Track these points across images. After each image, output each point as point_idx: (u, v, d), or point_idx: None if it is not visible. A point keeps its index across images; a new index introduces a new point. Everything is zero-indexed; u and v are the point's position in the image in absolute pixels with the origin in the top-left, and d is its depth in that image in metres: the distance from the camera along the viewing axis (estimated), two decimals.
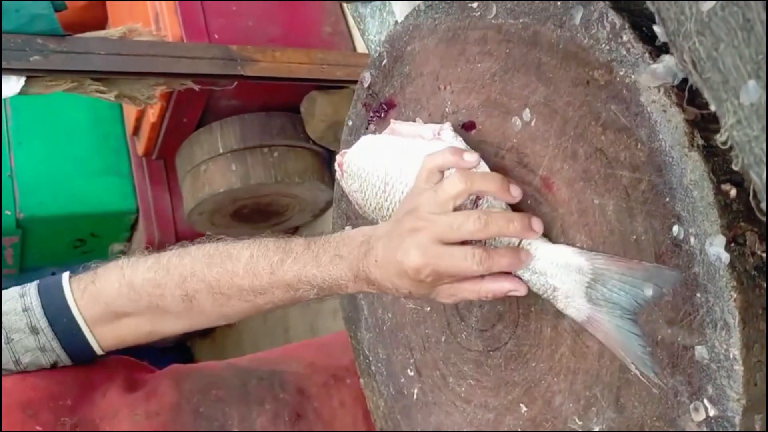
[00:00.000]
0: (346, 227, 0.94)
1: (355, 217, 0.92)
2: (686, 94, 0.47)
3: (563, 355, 0.64)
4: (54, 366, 0.79)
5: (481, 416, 0.74)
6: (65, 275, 0.80)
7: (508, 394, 0.71)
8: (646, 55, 0.53)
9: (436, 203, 0.62)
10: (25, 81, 1.65)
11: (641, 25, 0.55)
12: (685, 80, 0.52)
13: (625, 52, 0.55)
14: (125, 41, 1.76)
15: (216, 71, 1.85)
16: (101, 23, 2.67)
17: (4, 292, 0.80)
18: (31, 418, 0.74)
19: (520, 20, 0.64)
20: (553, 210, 0.64)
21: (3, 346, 0.76)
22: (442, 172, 0.65)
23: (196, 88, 1.82)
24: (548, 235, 0.64)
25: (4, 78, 1.66)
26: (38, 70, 1.65)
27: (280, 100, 2.30)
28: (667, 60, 0.52)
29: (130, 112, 2.45)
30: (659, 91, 0.53)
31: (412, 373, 0.84)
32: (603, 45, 0.56)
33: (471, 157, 0.64)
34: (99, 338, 0.80)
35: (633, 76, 0.54)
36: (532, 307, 0.68)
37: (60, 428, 0.74)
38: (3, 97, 1.65)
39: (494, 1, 0.67)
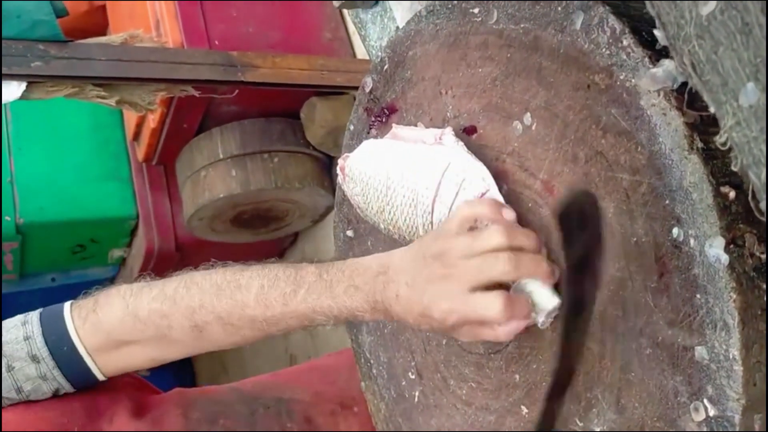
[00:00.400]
0: (348, 231, 0.94)
1: (356, 221, 0.92)
2: (686, 97, 0.48)
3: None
4: (56, 393, 0.79)
5: (482, 418, 0.74)
6: (67, 304, 0.80)
7: (509, 396, 0.71)
8: (646, 59, 0.54)
9: (472, 251, 0.62)
10: (26, 86, 1.65)
11: (641, 29, 0.56)
12: (684, 84, 0.52)
13: (625, 57, 0.55)
14: (126, 47, 1.76)
15: (216, 77, 1.86)
16: (102, 29, 2.68)
17: (7, 321, 0.80)
18: None
19: (521, 25, 0.65)
20: (554, 213, 0.64)
21: (4, 374, 0.76)
22: (475, 220, 0.65)
23: (197, 94, 1.83)
24: (549, 238, 0.65)
25: (5, 83, 1.66)
26: (39, 75, 1.65)
27: (280, 105, 2.31)
28: (667, 64, 0.52)
29: (131, 117, 2.45)
30: (659, 94, 0.53)
31: (413, 376, 0.84)
32: (603, 49, 0.57)
33: (510, 214, 0.65)
34: (101, 366, 0.79)
35: (633, 80, 0.55)
36: None
37: None
38: (4, 102, 1.65)
39: (495, 7, 0.68)
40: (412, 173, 0.71)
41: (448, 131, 0.72)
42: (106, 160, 2.55)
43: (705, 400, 0.52)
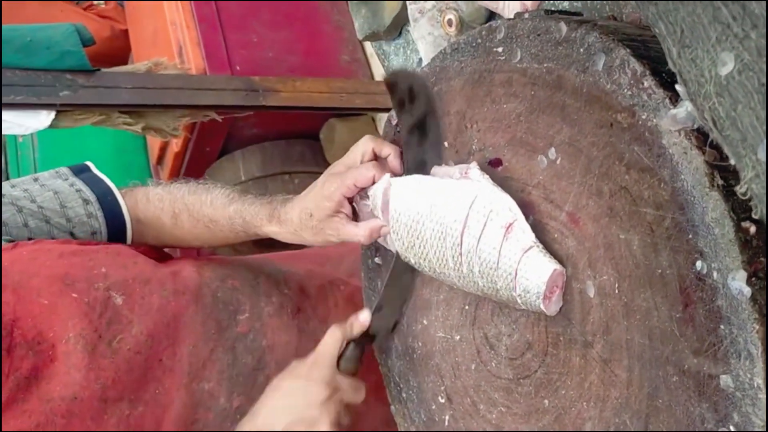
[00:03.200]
0: (376, 259, 0.97)
1: (384, 249, 0.95)
2: (707, 138, 0.50)
3: (592, 383, 0.67)
4: (93, 236, 0.96)
5: None
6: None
7: (538, 421, 0.73)
8: (667, 100, 0.57)
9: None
10: (55, 115, 1.70)
11: (661, 71, 0.59)
12: None
13: (646, 97, 0.58)
14: (151, 75, 1.81)
15: (239, 102, 1.90)
16: (124, 53, 2.74)
17: (39, 175, 0.99)
18: (68, 287, 0.84)
19: (545, 65, 0.68)
20: (580, 244, 0.67)
21: (59, 209, 0.93)
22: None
23: (219, 119, 1.87)
24: (576, 267, 0.67)
25: (34, 112, 1.71)
26: (68, 105, 1.70)
27: (300, 127, 2.35)
28: (687, 105, 0.55)
29: (154, 142, 2.51)
30: (680, 134, 0.56)
31: (443, 400, 0.86)
32: (625, 90, 0.60)
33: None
34: (133, 226, 0.99)
35: (654, 120, 0.57)
36: (561, 336, 0.71)
37: (93, 293, 0.85)
38: (34, 131, 1.70)
39: (519, 47, 0.71)
40: (440, 207, 0.74)
41: (474, 166, 0.74)
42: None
43: (731, 427, 0.54)
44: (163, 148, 2.43)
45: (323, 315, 1.06)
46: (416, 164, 0.81)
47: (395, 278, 0.85)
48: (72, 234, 0.94)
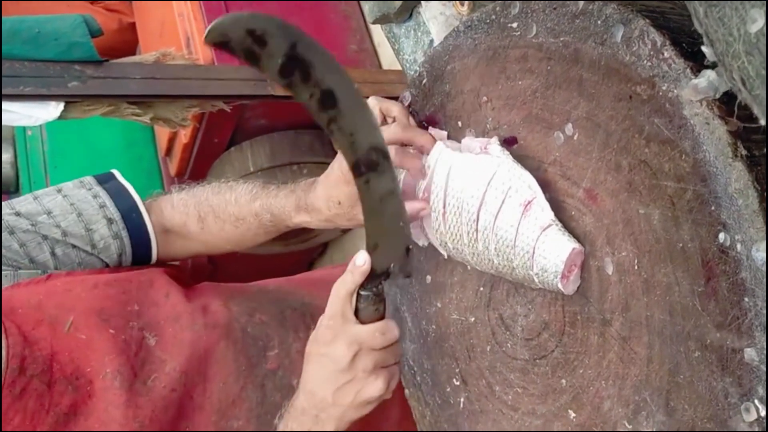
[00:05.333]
0: None
1: None
2: (735, 110, 0.49)
3: (611, 361, 0.66)
4: (119, 257, 0.93)
5: (529, 423, 0.76)
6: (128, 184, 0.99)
7: (555, 401, 0.73)
8: (688, 70, 0.56)
9: None
10: (64, 106, 1.70)
11: (681, 41, 0.58)
12: (726, 93, 0.54)
13: (666, 68, 0.57)
14: (159, 65, 1.80)
15: (247, 92, 1.90)
16: (132, 46, 2.74)
17: (64, 185, 0.95)
18: (105, 322, 0.83)
19: (561, 38, 0.67)
20: (597, 221, 0.66)
21: (83, 233, 0.90)
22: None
23: (228, 109, 1.87)
24: (593, 245, 0.67)
25: (43, 104, 1.71)
26: (77, 95, 1.69)
27: (308, 118, 2.32)
28: (709, 74, 0.54)
29: (163, 133, 2.50)
30: (701, 104, 0.55)
31: (457, 383, 0.86)
32: (645, 61, 0.59)
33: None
34: (159, 243, 0.96)
35: (675, 91, 0.56)
36: (578, 315, 0.70)
37: (129, 331, 0.84)
38: (43, 122, 1.70)
39: (534, 21, 0.70)
40: (457, 181, 0.73)
41: (494, 141, 0.74)
42: (139, 175, 2.60)
43: (756, 401, 0.53)
44: (172, 140, 2.42)
45: None
46: None
47: (374, 208, 0.72)
48: (99, 258, 0.92)
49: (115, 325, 0.83)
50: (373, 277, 0.73)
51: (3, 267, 0.85)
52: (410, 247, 0.72)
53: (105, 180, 0.98)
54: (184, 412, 0.86)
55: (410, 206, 0.77)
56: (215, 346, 0.90)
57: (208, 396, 0.88)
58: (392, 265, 0.75)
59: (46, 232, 0.88)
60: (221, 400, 0.88)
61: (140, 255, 0.96)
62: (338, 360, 0.74)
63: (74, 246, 0.90)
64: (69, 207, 0.91)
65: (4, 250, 0.85)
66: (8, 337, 0.76)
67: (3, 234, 0.86)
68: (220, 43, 0.60)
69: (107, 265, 0.93)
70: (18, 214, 0.89)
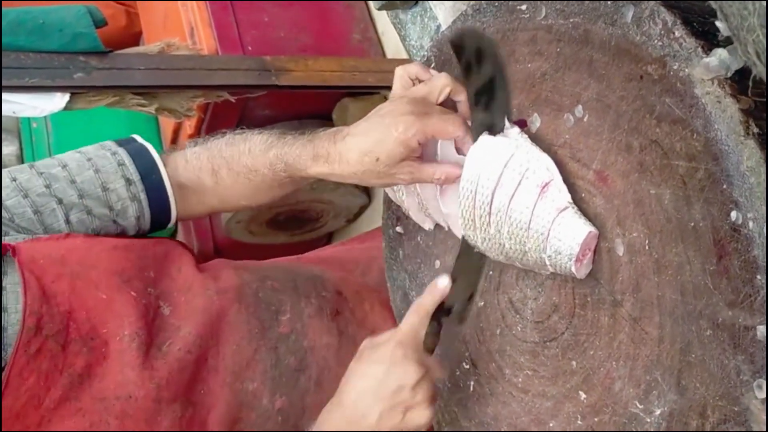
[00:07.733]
0: (397, 228, 0.97)
1: (405, 218, 0.95)
2: (750, 84, 0.49)
3: (622, 342, 0.66)
4: (138, 221, 0.92)
5: (539, 405, 0.76)
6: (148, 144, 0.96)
7: (566, 383, 0.73)
8: (699, 49, 0.56)
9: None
10: (69, 97, 1.70)
11: (691, 20, 0.58)
12: (737, 72, 0.54)
13: (677, 47, 0.57)
14: (164, 56, 1.80)
15: (251, 82, 1.89)
16: (136, 37, 2.74)
17: (86, 149, 0.93)
18: (126, 284, 0.83)
19: (571, 20, 0.67)
20: (608, 202, 0.66)
21: (101, 192, 0.88)
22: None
23: (232, 99, 1.87)
24: (604, 226, 0.67)
25: (49, 95, 1.71)
26: (82, 86, 1.69)
27: (313, 107, 2.34)
28: (720, 53, 0.54)
29: (167, 124, 2.50)
30: (713, 83, 0.55)
31: (467, 366, 0.86)
32: (655, 41, 0.59)
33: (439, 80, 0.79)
34: (177, 202, 0.93)
35: (687, 70, 0.56)
36: (588, 297, 0.70)
37: (147, 297, 0.84)
38: (48, 113, 1.70)
39: (543, 3, 0.70)
40: (473, 163, 0.73)
41: (508, 124, 0.73)
42: None
43: None
44: (177, 131, 2.42)
45: (361, 318, 1.04)
46: (484, 128, 0.75)
47: (467, 249, 0.78)
48: (115, 222, 0.90)
49: (135, 287, 0.83)
50: (438, 311, 0.76)
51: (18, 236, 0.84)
52: (474, 295, 0.77)
53: (126, 142, 0.95)
54: (199, 374, 0.86)
55: (449, 169, 0.77)
56: (228, 310, 0.91)
57: (222, 358, 0.88)
58: (456, 303, 0.78)
59: (61, 195, 0.85)
60: (235, 362, 0.89)
61: (158, 218, 0.94)
62: (404, 379, 0.73)
63: (89, 212, 0.87)
64: (86, 162, 0.89)
65: (18, 219, 0.84)
66: (27, 292, 0.75)
67: (17, 197, 0.84)
68: (455, 45, 0.75)
69: (123, 232, 0.92)
70: (32, 167, 0.87)
